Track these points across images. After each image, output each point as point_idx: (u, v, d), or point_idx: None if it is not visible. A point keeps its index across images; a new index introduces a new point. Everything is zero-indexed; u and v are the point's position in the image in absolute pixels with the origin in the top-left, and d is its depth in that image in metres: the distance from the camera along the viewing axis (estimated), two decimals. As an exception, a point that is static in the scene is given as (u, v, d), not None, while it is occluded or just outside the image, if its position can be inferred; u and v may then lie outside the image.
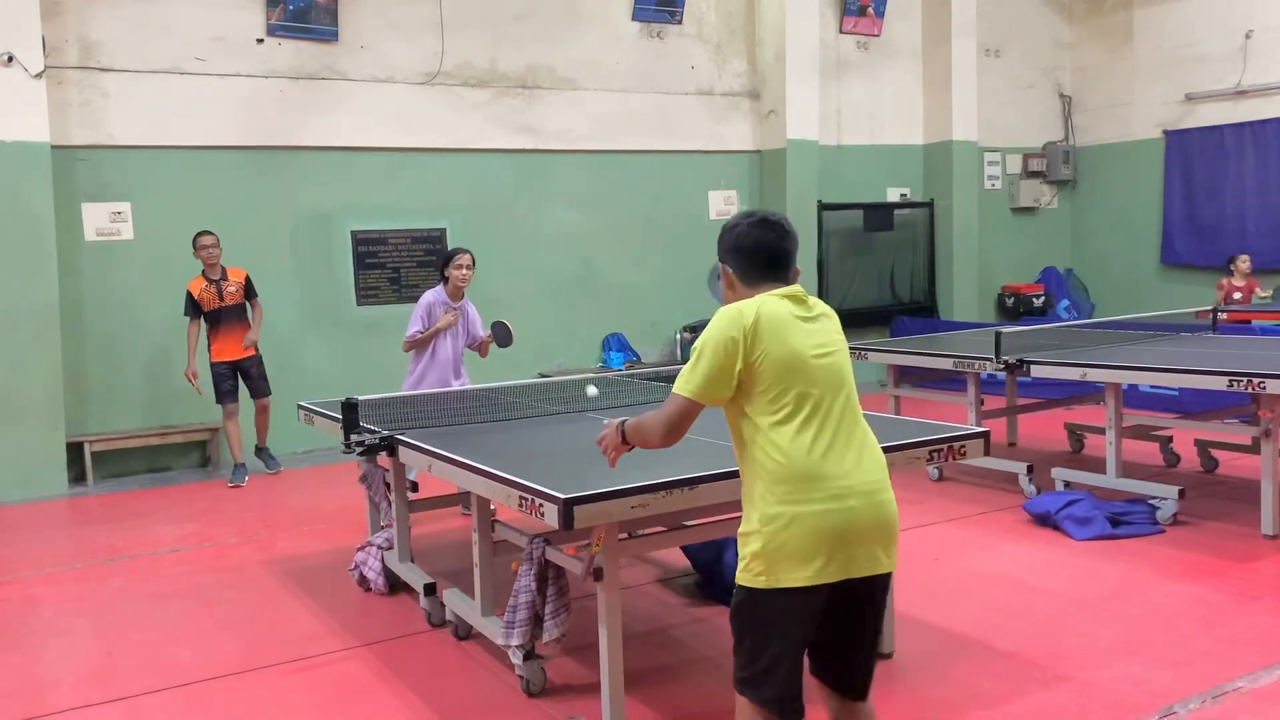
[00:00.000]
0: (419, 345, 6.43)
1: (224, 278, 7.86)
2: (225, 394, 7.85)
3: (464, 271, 6.45)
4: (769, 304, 2.59)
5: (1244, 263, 9.87)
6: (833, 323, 2.73)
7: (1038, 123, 13.07)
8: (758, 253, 2.70)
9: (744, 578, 2.61)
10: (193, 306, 7.77)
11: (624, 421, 2.80)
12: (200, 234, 7.81)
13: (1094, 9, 12.88)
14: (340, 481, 7.53)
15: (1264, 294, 10.07)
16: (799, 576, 2.47)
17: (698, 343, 2.59)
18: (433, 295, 6.51)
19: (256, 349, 7.96)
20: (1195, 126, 11.86)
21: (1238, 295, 9.76)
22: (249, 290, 7.97)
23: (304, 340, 8.87)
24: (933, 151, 12.05)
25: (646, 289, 10.54)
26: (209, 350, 7.81)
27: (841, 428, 2.55)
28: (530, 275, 9.93)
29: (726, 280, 2.76)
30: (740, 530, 2.66)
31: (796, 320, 2.60)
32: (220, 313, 7.80)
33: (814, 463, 2.49)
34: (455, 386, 6.39)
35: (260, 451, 8.17)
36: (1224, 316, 7.96)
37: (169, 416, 8.46)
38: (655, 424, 2.70)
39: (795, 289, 2.69)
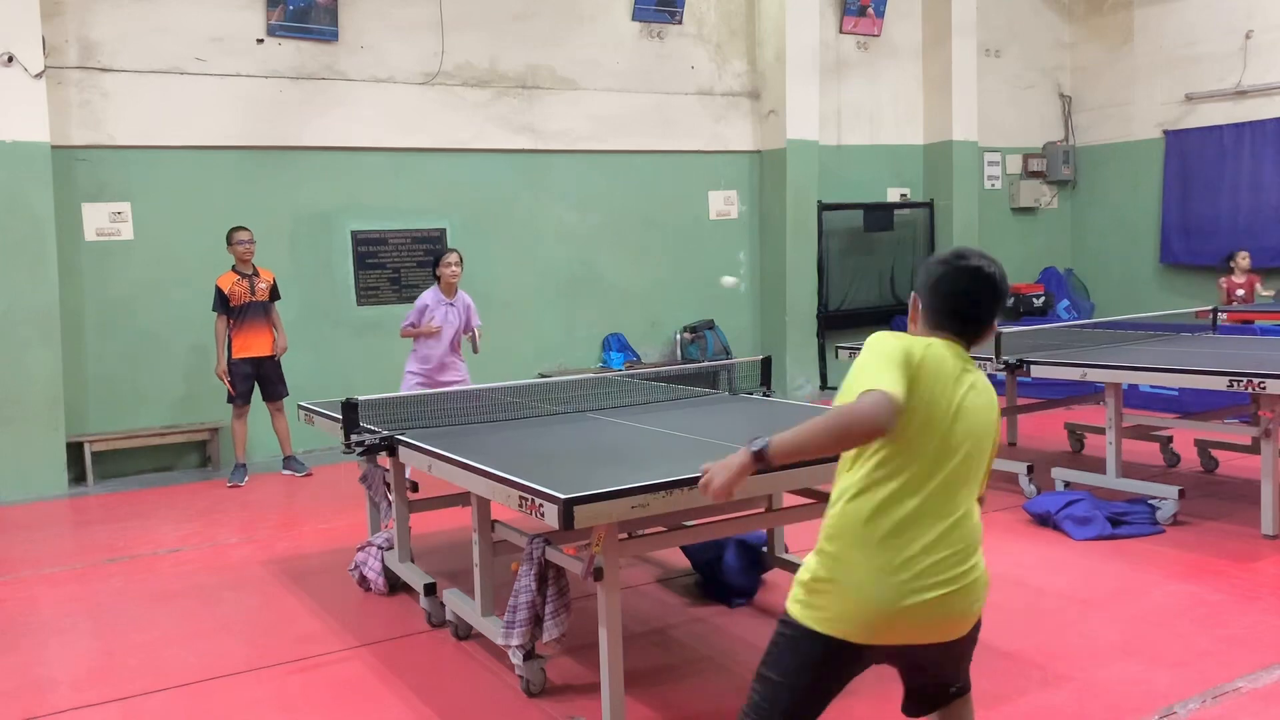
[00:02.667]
0: (411, 335, 7.12)
1: (255, 274, 7.87)
2: (241, 393, 7.84)
3: (453, 269, 7.08)
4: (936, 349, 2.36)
5: (1244, 259, 9.88)
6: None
7: (1038, 123, 13.06)
8: (950, 302, 2.42)
9: None
10: (222, 302, 7.75)
11: (763, 447, 2.32)
12: (237, 229, 7.83)
13: (1094, 9, 12.88)
14: (340, 481, 7.53)
15: (1266, 292, 10.06)
16: None
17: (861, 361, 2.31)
18: (430, 295, 7.13)
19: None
20: (1195, 126, 11.86)
21: (1240, 292, 9.76)
22: (274, 293, 7.98)
23: (304, 340, 8.86)
24: (933, 151, 12.05)
25: (646, 289, 10.54)
26: (229, 347, 7.79)
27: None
28: (530, 275, 9.93)
29: (912, 312, 2.52)
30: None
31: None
32: (247, 308, 7.80)
33: None
34: (452, 369, 7.10)
35: (289, 460, 8.12)
36: (1224, 317, 7.96)
37: (169, 416, 8.46)
38: (836, 421, 2.18)
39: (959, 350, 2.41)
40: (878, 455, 2.30)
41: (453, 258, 7.11)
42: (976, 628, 2.49)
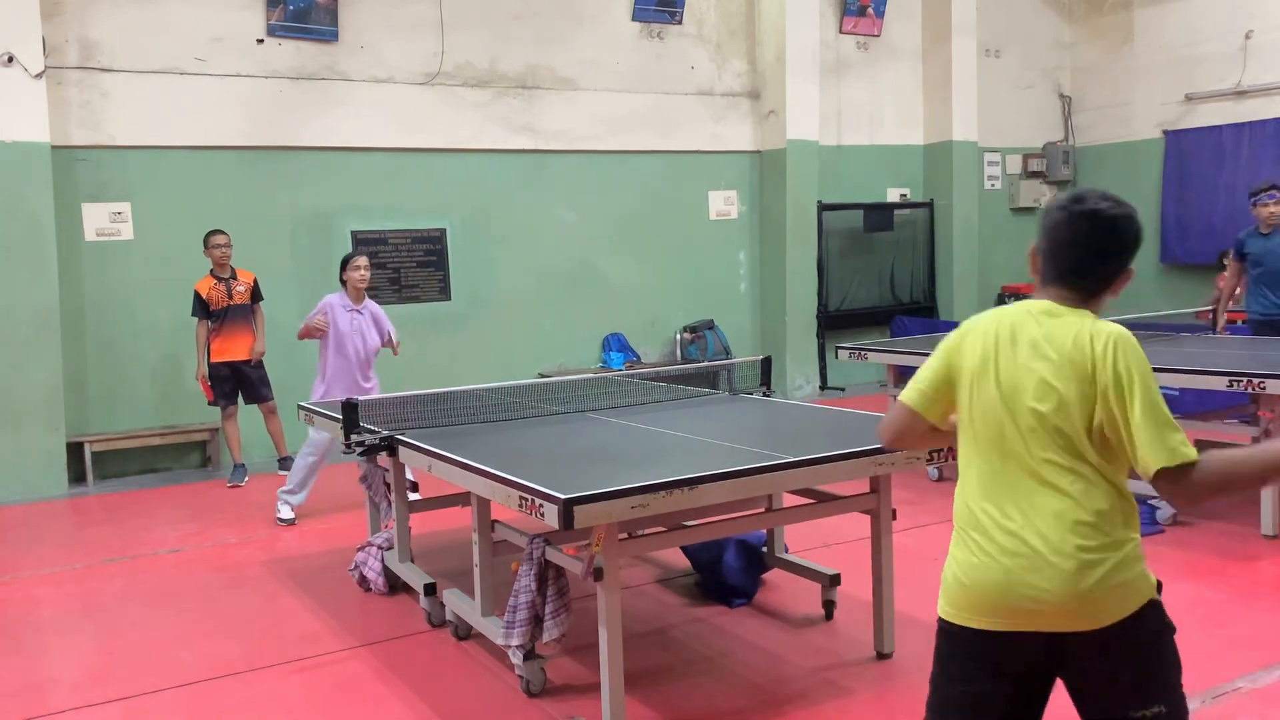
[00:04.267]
0: (305, 335, 6.59)
1: (233, 277, 7.86)
2: (224, 395, 7.84)
3: (361, 273, 6.59)
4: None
5: None
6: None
7: (1038, 123, 13.07)
8: (1058, 255, 2.17)
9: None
10: (201, 306, 7.75)
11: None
12: (213, 233, 7.82)
13: (1094, 9, 12.88)
14: (340, 481, 7.53)
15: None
16: None
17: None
18: (335, 298, 6.61)
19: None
20: (1195, 126, 11.86)
21: (1238, 291, 9.72)
22: (255, 294, 7.97)
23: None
24: (933, 151, 12.05)
25: (646, 289, 10.54)
26: (208, 350, 7.79)
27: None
28: (530, 275, 9.93)
29: (1031, 264, 2.25)
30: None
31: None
32: (226, 312, 7.78)
33: None
34: (366, 388, 6.53)
35: (284, 462, 8.07)
36: (1224, 318, 7.95)
37: (169, 417, 8.46)
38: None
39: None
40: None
41: (361, 261, 6.62)
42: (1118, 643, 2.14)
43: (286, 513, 6.73)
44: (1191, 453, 1.97)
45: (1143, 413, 2.00)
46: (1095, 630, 2.09)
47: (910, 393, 2.30)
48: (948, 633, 2.27)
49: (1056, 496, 2.06)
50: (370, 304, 6.73)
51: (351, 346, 6.57)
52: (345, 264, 6.63)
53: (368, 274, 6.65)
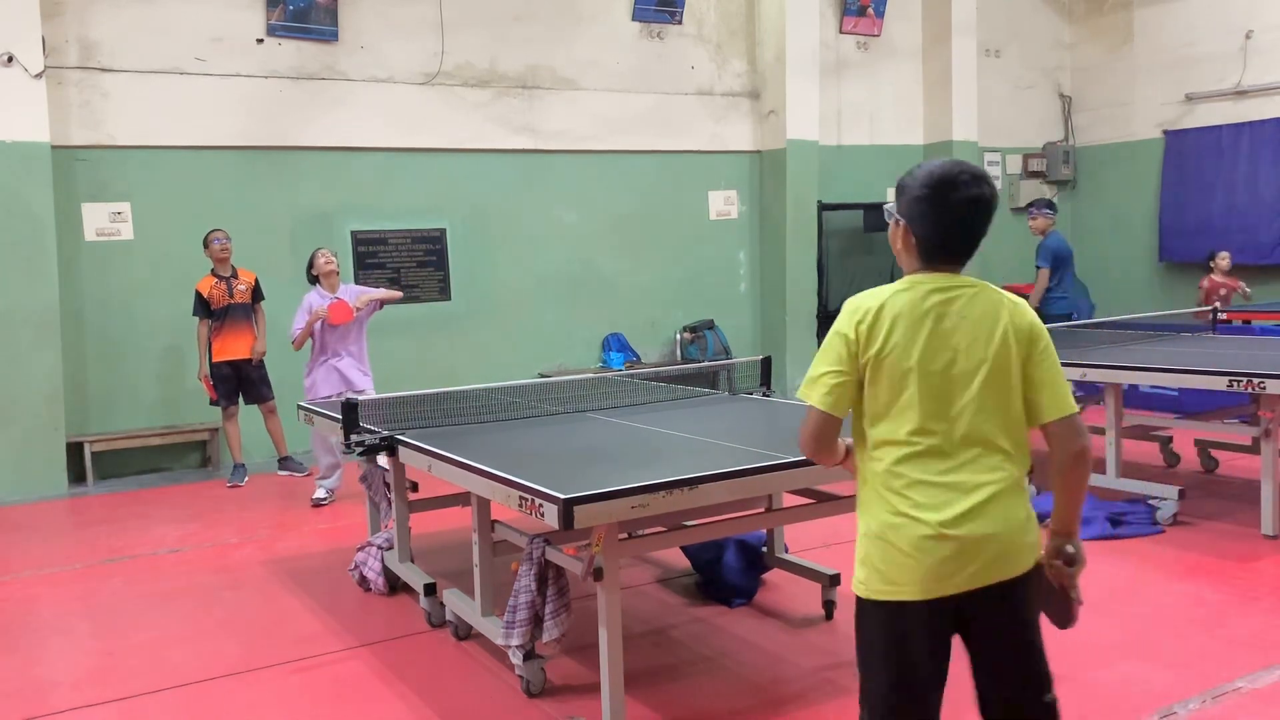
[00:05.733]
0: (303, 339, 6.97)
1: (234, 276, 7.86)
2: (224, 395, 7.84)
3: (324, 260, 7.03)
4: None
5: (1224, 260, 9.83)
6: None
7: (1038, 123, 13.06)
8: (944, 236, 2.32)
9: None
10: (202, 305, 7.75)
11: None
12: (213, 231, 7.82)
13: (1094, 9, 12.88)
14: (340, 481, 7.53)
15: (1249, 291, 9.93)
16: None
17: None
18: (313, 295, 7.01)
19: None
20: (1195, 126, 11.86)
21: (1223, 292, 9.71)
22: (256, 293, 7.97)
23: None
24: (933, 151, 12.04)
25: (646, 289, 10.54)
26: (209, 349, 7.79)
27: None
28: (530, 275, 9.93)
29: (895, 238, 2.39)
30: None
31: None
32: (226, 310, 7.78)
33: None
34: (359, 383, 6.92)
35: (284, 462, 8.11)
36: (1223, 317, 7.95)
37: (169, 417, 8.46)
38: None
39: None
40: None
41: (324, 252, 7.07)
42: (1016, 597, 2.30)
43: (320, 493, 7.10)
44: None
45: (1054, 368, 2.29)
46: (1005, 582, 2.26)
47: (816, 395, 2.32)
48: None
49: (998, 457, 2.24)
50: (345, 286, 7.16)
51: (351, 336, 6.99)
52: (310, 264, 7.10)
53: (333, 259, 7.08)
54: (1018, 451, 2.27)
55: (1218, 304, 8.50)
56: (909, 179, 2.34)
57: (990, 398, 2.24)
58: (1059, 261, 8.82)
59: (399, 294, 7.40)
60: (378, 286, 7.84)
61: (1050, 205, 9.21)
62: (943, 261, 2.32)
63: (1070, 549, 2.33)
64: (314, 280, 7.07)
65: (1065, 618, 2.41)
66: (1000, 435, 2.24)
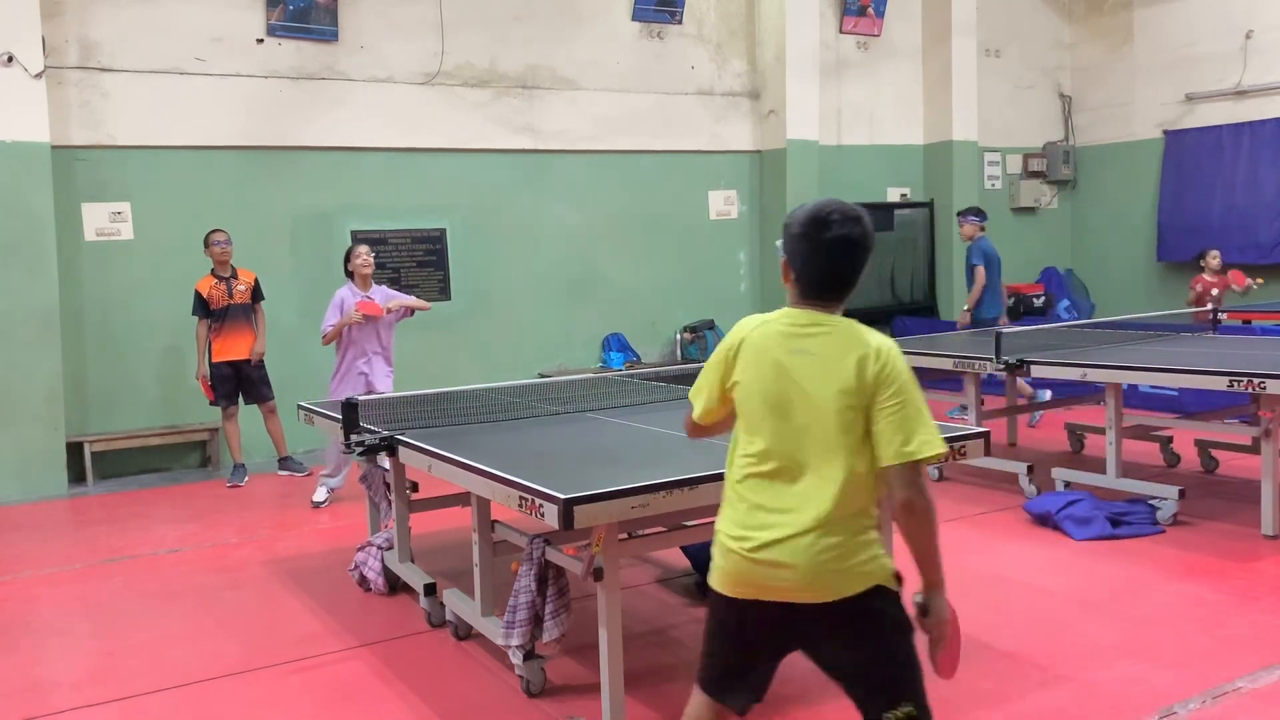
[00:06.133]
0: (333, 337, 6.85)
1: (234, 276, 7.86)
2: (224, 395, 7.84)
3: (363, 259, 6.91)
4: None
5: (1214, 259, 9.82)
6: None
7: (1038, 123, 13.07)
8: (818, 275, 2.42)
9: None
10: (201, 306, 7.75)
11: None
12: (213, 231, 7.82)
13: (1094, 9, 12.89)
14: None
15: (1242, 287, 9.91)
16: None
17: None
18: (345, 291, 6.92)
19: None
20: (1195, 126, 11.87)
21: (1215, 291, 9.70)
22: (256, 293, 7.96)
23: (304, 340, 8.86)
24: (933, 151, 12.05)
25: (646, 289, 10.54)
26: (209, 349, 7.80)
27: None
28: (530, 275, 9.93)
29: (784, 273, 2.48)
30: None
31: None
32: (226, 311, 7.78)
33: None
34: (380, 386, 6.83)
35: (284, 462, 8.10)
36: (1224, 316, 7.96)
37: (169, 417, 8.46)
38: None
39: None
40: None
41: (362, 249, 6.95)
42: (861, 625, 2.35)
43: (320, 494, 7.07)
44: (931, 449, 2.28)
45: (897, 415, 2.30)
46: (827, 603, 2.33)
47: (695, 404, 2.60)
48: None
49: (831, 489, 2.32)
50: (378, 288, 7.03)
51: (377, 335, 6.92)
52: (348, 257, 6.97)
53: (371, 259, 6.96)
54: (854, 484, 2.32)
55: (1210, 303, 8.50)
56: (791, 218, 2.45)
57: (829, 432, 2.32)
58: (989, 263, 8.93)
59: (428, 305, 7.29)
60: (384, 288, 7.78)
61: (978, 213, 9.35)
62: (816, 298, 2.43)
63: (918, 598, 2.40)
64: (349, 275, 6.94)
65: (934, 663, 2.45)
66: (835, 468, 2.32)
